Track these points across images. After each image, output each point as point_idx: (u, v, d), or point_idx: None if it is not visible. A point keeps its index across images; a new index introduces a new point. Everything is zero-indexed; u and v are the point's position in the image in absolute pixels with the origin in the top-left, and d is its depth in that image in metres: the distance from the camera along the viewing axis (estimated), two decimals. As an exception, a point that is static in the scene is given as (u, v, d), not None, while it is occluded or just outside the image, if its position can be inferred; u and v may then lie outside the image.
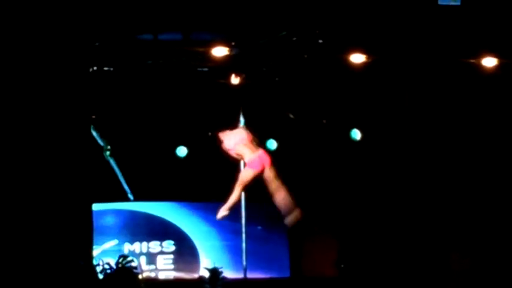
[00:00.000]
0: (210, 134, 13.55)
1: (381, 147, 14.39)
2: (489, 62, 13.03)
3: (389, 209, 14.46)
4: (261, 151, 11.00)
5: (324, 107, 13.64)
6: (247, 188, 11.26)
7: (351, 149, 14.26)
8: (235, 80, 11.89)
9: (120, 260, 6.27)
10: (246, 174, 10.85)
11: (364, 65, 12.41)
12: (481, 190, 14.00)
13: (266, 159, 10.93)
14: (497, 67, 12.96)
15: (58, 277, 5.96)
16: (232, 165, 11.45)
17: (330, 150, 14.38)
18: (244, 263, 11.13)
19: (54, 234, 6.93)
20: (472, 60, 12.94)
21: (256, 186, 12.65)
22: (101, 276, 6.18)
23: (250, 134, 11.06)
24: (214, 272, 8.62)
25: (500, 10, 12.17)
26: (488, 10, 12.18)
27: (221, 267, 7.22)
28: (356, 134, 13.98)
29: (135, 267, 6.34)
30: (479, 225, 13.90)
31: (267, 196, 14.51)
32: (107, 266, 6.26)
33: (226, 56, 11.80)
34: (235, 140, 10.83)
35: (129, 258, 6.28)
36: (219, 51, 11.63)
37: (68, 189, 7.18)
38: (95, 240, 14.70)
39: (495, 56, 12.89)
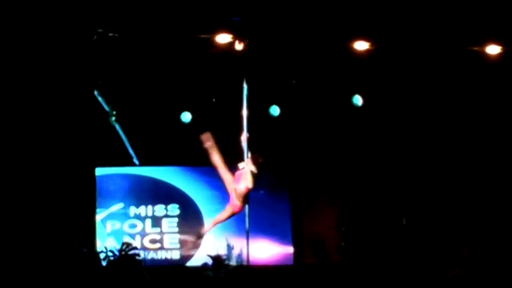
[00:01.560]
0: (213, 100, 13.68)
1: (383, 114, 14.48)
2: (493, 49, 13.10)
3: (390, 174, 14.60)
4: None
5: (326, 73, 13.67)
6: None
7: (353, 114, 14.33)
8: (238, 46, 11.96)
9: (123, 248, 6.34)
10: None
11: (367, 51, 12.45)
12: (481, 175, 14.11)
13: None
14: (501, 55, 13.00)
15: (61, 264, 6.04)
16: (235, 130, 11.56)
17: (332, 116, 14.45)
18: (246, 226, 11.26)
19: (57, 198, 7.00)
20: (475, 48, 12.99)
21: (260, 152, 12.81)
22: (104, 264, 6.24)
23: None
24: (218, 259, 8.60)
25: None
26: None
27: (225, 255, 7.20)
28: (358, 100, 14.04)
29: (138, 254, 6.39)
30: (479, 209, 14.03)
31: (269, 162, 14.75)
32: (110, 254, 6.32)
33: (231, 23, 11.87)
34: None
35: (132, 246, 6.34)
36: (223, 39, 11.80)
37: (72, 153, 7.18)
38: (101, 204, 14.99)
39: (499, 43, 12.92)
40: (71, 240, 7.05)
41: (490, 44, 12.93)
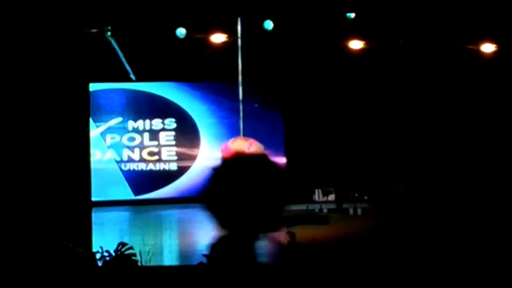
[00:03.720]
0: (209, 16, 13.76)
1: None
2: (488, 47, 13.26)
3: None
4: None
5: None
6: (244, 69, 11.51)
7: (345, 28, 14.40)
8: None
9: (119, 248, 6.31)
10: None
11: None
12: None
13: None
14: (495, 53, 13.18)
15: (55, 265, 6.04)
16: (232, 47, 11.65)
17: (325, 30, 14.53)
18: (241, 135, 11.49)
19: (50, 110, 6.97)
20: (471, 46, 13.14)
21: (253, 67, 12.97)
22: (99, 264, 6.22)
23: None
24: None
25: None
26: None
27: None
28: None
29: (134, 254, 6.34)
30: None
31: (263, 76, 14.95)
32: (106, 254, 6.28)
33: None
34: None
35: (128, 246, 6.30)
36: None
37: (66, 68, 7.17)
38: (100, 118, 15.40)
39: (493, 42, 13.07)
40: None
41: (485, 42, 13.14)
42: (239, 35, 11.57)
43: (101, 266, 6.18)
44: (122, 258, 6.26)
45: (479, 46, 13.37)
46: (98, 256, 6.32)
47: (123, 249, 6.28)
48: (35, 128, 6.89)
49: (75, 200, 7.07)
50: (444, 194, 13.32)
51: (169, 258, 9.70)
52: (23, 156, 6.85)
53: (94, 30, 12.69)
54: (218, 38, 13.68)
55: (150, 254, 7.52)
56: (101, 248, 6.33)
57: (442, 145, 14.40)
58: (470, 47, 13.32)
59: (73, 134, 7.00)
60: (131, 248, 6.30)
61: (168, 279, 6.46)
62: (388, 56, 14.34)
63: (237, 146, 11.07)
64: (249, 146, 10.78)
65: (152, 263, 8.84)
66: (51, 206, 6.93)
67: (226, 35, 13.35)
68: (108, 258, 6.27)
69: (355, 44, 14.29)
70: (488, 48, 13.37)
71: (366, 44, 14.23)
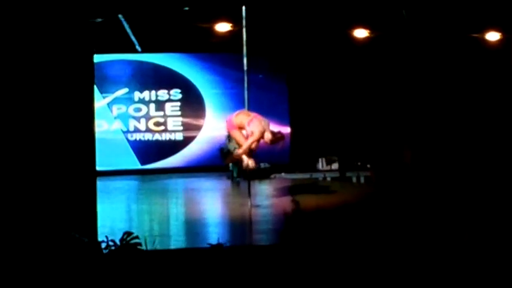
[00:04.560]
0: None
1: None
2: (492, 36, 13.30)
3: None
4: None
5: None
6: (249, 40, 11.55)
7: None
8: None
9: (125, 237, 6.27)
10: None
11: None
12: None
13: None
14: (500, 41, 13.21)
15: (60, 255, 5.96)
16: (236, 15, 11.62)
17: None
18: (246, 108, 11.57)
19: (54, 80, 6.90)
20: (475, 35, 13.15)
21: (258, 39, 13.01)
22: (105, 253, 6.20)
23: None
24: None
25: None
26: None
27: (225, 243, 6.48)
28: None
29: (140, 244, 6.28)
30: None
31: (268, 47, 15.00)
32: (111, 243, 6.23)
33: None
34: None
35: (134, 235, 6.26)
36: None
37: (70, 39, 7.09)
38: (106, 89, 15.57)
39: (498, 30, 13.10)
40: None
41: (490, 31, 13.19)
42: (243, 7, 11.57)
43: (106, 256, 6.16)
44: (128, 247, 6.25)
45: (484, 34, 13.48)
46: (103, 246, 6.28)
47: (128, 238, 6.27)
48: (38, 98, 6.83)
49: (80, 173, 7.00)
50: (450, 168, 13.51)
51: (176, 227, 9.90)
52: (26, 124, 6.77)
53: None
54: (223, 26, 13.74)
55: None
56: (106, 237, 6.30)
57: (449, 125, 14.52)
58: (475, 35, 13.40)
59: (77, 104, 6.96)
60: (137, 237, 6.30)
61: (174, 264, 6.53)
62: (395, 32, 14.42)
63: (239, 120, 11.25)
64: (249, 121, 10.93)
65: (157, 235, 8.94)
66: (56, 178, 6.88)
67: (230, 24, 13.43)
68: (113, 248, 6.23)
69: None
70: (493, 36, 13.50)
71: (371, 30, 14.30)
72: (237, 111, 11.31)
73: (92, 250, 6.19)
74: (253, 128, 10.76)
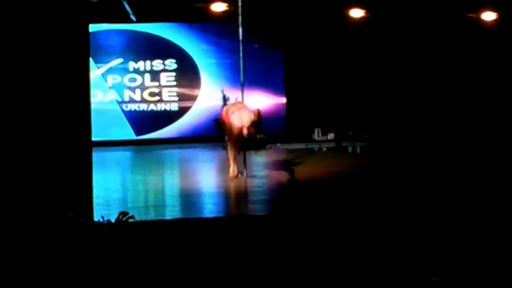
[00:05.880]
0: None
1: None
2: (488, 16, 13.18)
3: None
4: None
5: None
6: (244, 9, 11.51)
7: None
8: None
9: (120, 217, 6.22)
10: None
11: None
12: None
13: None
14: (496, 21, 13.12)
15: (56, 235, 5.87)
16: None
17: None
18: (241, 78, 11.62)
19: (48, 51, 6.85)
20: (471, 15, 13.05)
21: (255, 8, 12.96)
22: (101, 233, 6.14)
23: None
24: None
25: None
26: None
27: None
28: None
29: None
30: None
31: (264, 17, 14.93)
32: (106, 223, 6.19)
33: None
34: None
35: (129, 215, 6.19)
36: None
37: (65, 9, 7.03)
38: (101, 59, 15.48)
39: (494, 10, 12.99)
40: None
41: (486, 11, 13.09)
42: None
43: (102, 235, 6.11)
44: (123, 227, 6.19)
45: (480, 14, 13.43)
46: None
47: (124, 218, 6.22)
48: (33, 68, 6.78)
49: (75, 146, 6.87)
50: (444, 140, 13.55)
51: (171, 197, 9.90)
52: (20, 95, 6.64)
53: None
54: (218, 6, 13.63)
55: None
56: (102, 217, 6.28)
57: (443, 103, 14.54)
58: (471, 15, 13.35)
59: (73, 75, 6.92)
60: (132, 217, 6.24)
61: (170, 234, 6.52)
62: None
63: (229, 109, 11.22)
64: (231, 112, 10.91)
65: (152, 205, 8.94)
66: (50, 152, 6.74)
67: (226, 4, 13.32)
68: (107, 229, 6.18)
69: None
70: (488, 16, 13.44)
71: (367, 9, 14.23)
72: (232, 102, 11.44)
73: (87, 230, 6.10)
74: (233, 121, 10.75)
